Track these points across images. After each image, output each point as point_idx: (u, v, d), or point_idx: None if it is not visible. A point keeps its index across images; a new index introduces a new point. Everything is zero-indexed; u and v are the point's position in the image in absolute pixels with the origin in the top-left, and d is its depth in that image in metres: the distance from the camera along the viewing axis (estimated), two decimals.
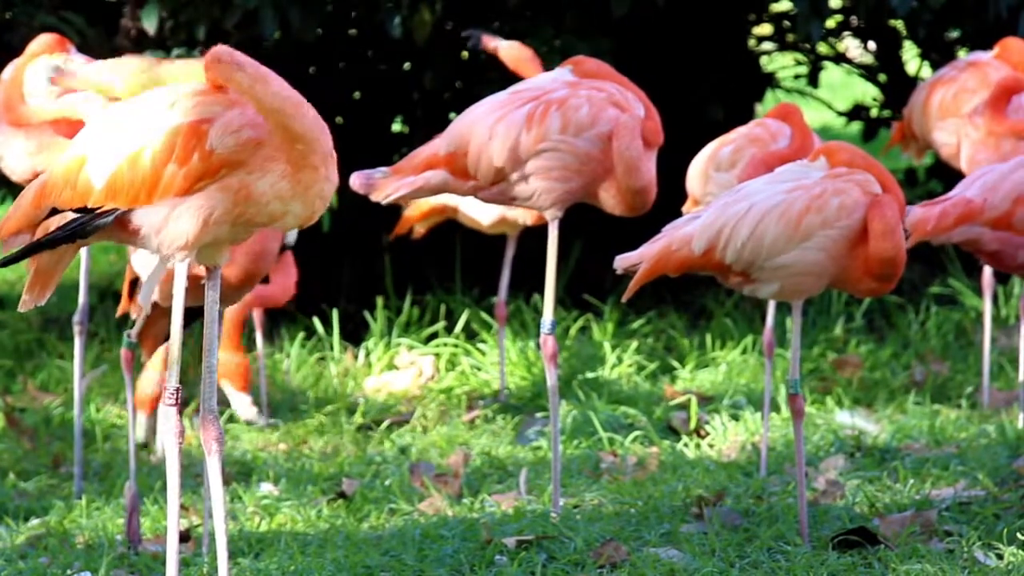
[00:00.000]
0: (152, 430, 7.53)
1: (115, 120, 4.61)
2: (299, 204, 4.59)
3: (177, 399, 4.69)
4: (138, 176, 4.54)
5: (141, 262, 6.01)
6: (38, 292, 4.77)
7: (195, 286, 5.69)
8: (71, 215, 4.62)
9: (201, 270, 5.45)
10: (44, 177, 4.66)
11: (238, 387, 7.93)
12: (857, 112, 10.72)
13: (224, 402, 8.28)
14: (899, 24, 10.26)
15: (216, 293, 4.71)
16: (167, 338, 6.21)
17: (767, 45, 10.75)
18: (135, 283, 6.24)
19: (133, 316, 6.39)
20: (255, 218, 4.59)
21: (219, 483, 4.70)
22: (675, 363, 8.60)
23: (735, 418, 7.62)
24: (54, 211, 4.64)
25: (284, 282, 8.00)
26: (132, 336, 6.23)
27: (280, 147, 4.56)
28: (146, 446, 7.62)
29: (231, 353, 7.90)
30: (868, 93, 11.28)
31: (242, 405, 7.96)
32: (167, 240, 4.58)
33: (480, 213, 8.22)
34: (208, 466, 4.73)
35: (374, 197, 6.15)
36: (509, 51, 7.41)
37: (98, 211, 4.59)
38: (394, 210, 8.50)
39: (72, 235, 4.62)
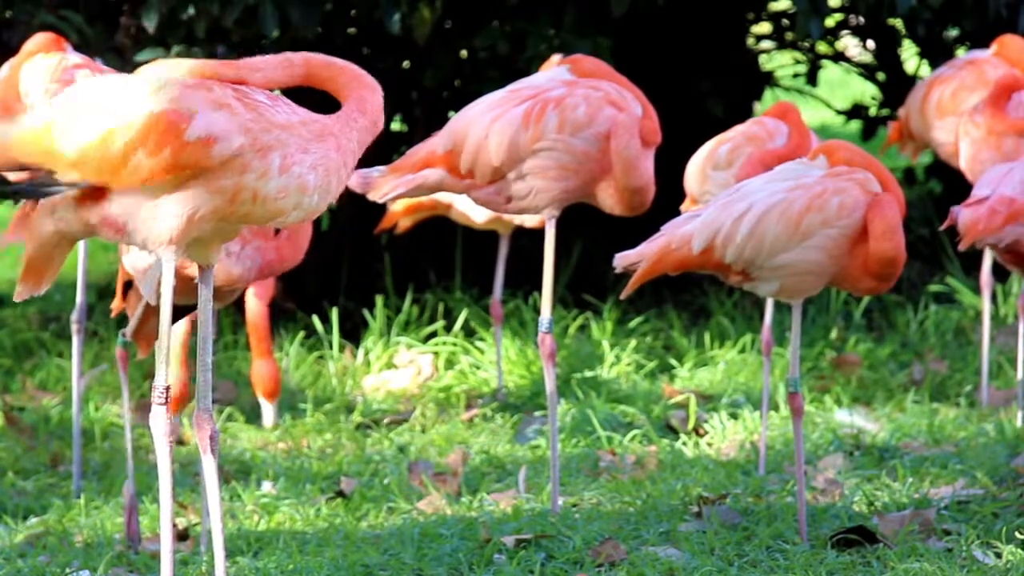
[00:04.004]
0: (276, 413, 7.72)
1: (93, 92, 4.55)
2: (318, 197, 4.60)
3: (167, 398, 4.68)
4: (107, 155, 4.49)
5: (133, 262, 6.02)
6: (33, 283, 4.75)
7: (188, 287, 5.69)
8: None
9: (194, 269, 5.43)
10: (12, 133, 4.56)
11: (267, 395, 7.92)
12: (856, 111, 10.72)
13: (222, 402, 8.28)
14: (898, 23, 10.26)
15: (210, 291, 4.70)
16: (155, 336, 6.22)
17: (766, 44, 10.75)
18: (129, 284, 6.24)
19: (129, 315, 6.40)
20: (250, 216, 4.57)
21: (215, 482, 4.70)
22: (674, 362, 8.59)
23: (734, 417, 7.62)
24: (22, 169, 4.60)
25: (266, 282, 8.01)
26: (127, 335, 6.23)
27: (322, 137, 4.55)
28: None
29: (262, 360, 7.90)
30: (867, 92, 11.28)
31: (267, 412, 7.96)
32: (152, 236, 4.56)
33: (474, 210, 8.22)
34: (204, 465, 4.72)
35: (372, 196, 6.15)
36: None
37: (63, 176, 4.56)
38: None
39: (34, 191, 4.57)
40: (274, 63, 4.68)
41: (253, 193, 4.52)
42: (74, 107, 4.55)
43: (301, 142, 4.56)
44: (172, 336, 6.05)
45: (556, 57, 7.54)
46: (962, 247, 6.41)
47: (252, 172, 4.52)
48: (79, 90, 4.59)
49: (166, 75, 4.56)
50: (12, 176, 4.62)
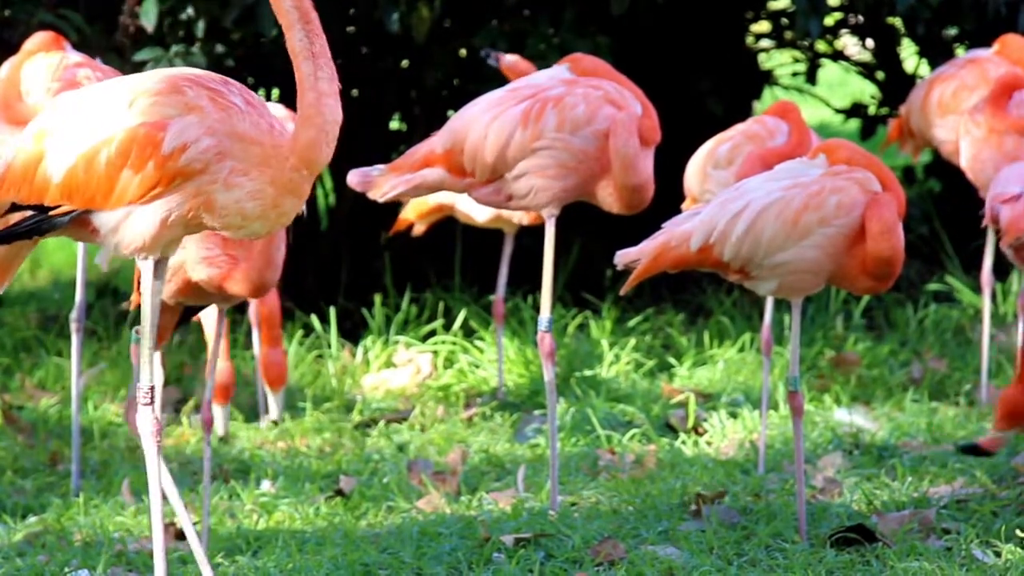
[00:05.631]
0: (227, 420, 7.68)
1: (73, 113, 4.54)
2: (260, 224, 4.53)
3: (152, 398, 4.67)
4: (93, 179, 4.49)
5: None
6: None
7: (191, 288, 5.68)
8: (30, 212, 4.60)
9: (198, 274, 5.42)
10: (3, 172, 4.60)
11: (272, 381, 7.89)
12: (855, 110, 10.72)
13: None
14: (897, 21, 10.26)
15: (160, 283, 4.64)
16: (169, 331, 6.22)
17: (765, 43, 10.75)
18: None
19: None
20: (206, 224, 4.53)
21: (154, 474, 4.63)
22: (673, 361, 8.59)
23: (733, 416, 7.62)
24: (14, 207, 4.61)
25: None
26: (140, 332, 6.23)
27: (263, 164, 4.50)
28: (224, 439, 7.66)
29: (272, 348, 7.87)
30: (866, 91, 11.27)
31: (274, 404, 7.93)
32: (125, 241, 4.54)
33: (476, 210, 8.23)
34: (147, 457, 4.68)
35: (371, 194, 6.15)
36: (515, 65, 7.43)
37: (54, 210, 4.55)
38: (393, 207, 8.50)
39: (30, 231, 4.60)
40: (313, 55, 4.55)
41: (207, 198, 4.49)
42: (57, 131, 4.54)
43: (243, 164, 4.47)
44: (210, 331, 6.08)
45: (511, 57, 7.55)
46: (1004, 244, 6.40)
47: (208, 175, 4.48)
48: (59, 113, 4.57)
49: (139, 85, 4.52)
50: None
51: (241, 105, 4.50)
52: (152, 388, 4.67)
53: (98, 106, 4.51)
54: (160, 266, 4.65)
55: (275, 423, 7.92)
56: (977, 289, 8.96)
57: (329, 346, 8.88)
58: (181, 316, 6.00)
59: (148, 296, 4.64)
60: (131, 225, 4.52)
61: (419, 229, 8.59)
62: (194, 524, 6.25)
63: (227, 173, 4.46)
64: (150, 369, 4.67)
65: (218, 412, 7.78)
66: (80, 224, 4.58)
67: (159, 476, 4.68)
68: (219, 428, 7.84)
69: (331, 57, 4.48)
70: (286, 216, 4.53)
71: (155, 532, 4.69)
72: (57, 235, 4.64)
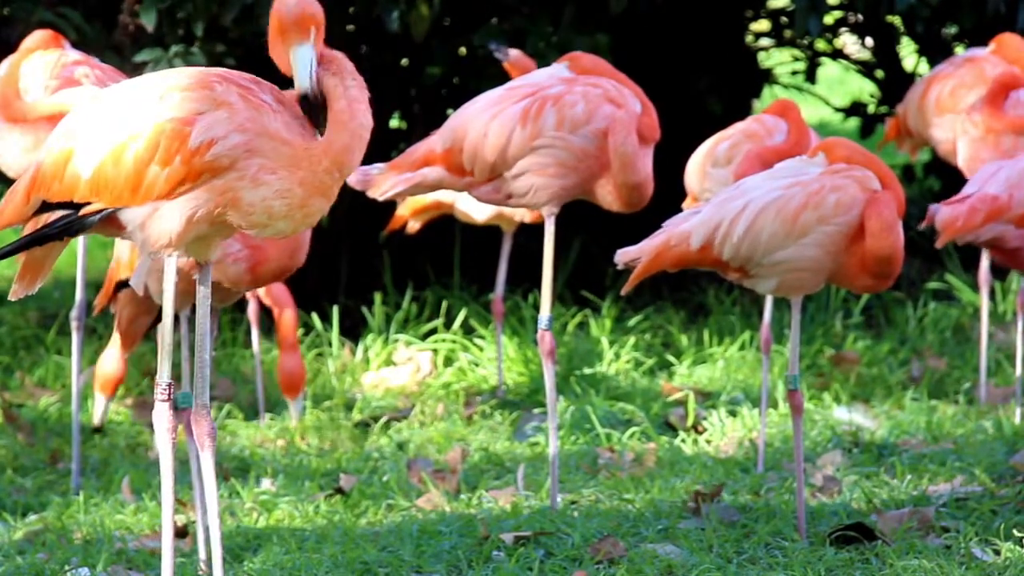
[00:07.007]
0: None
1: (103, 109, 4.55)
2: (286, 223, 4.56)
3: (169, 394, 4.68)
4: (121, 174, 4.50)
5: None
6: (28, 281, 4.77)
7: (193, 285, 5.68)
8: (60, 212, 4.61)
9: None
10: (34, 170, 4.63)
11: (287, 391, 7.86)
12: (854, 108, 10.73)
13: (220, 399, 8.28)
14: (896, 20, 10.27)
15: (208, 288, 4.69)
16: (141, 337, 6.22)
17: (765, 41, 10.76)
18: (120, 284, 6.24)
19: (113, 310, 6.43)
20: (232, 222, 4.55)
21: (213, 478, 4.68)
22: (673, 359, 8.60)
23: (733, 414, 7.62)
24: (45, 205, 4.63)
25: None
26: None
27: (293, 165, 4.52)
28: (100, 431, 7.59)
29: (288, 355, 7.85)
30: (865, 89, 11.28)
31: (294, 410, 7.92)
32: (152, 237, 4.55)
33: (475, 209, 8.23)
34: (202, 461, 4.71)
35: (371, 193, 6.16)
36: (517, 61, 7.43)
37: (85, 207, 4.57)
38: (393, 206, 8.51)
39: (61, 232, 4.62)
40: (336, 69, 4.62)
41: (234, 195, 4.50)
42: (87, 127, 4.55)
43: (272, 162, 4.49)
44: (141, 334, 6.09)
45: (515, 52, 7.55)
46: (939, 244, 6.46)
47: (237, 171, 4.49)
48: (89, 110, 4.59)
49: (169, 80, 4.54)
50: (29, 225, 4.67)
51: (272, 103, 4.53)
52: (170, 385, 4.67)
53: (128, 102, 4.52)
54: (204, 272, 4.68)
55: (273, 423, 7.93)
56: (976, 287, 8.97)
57: (329, 344, 8.88)
58: (153, 321, 6.03)
59: (169, 293, 4.64)
60: (158, 221, 4.53)
61: (413, 227, 8.58)
62: (192, 523, 6.27)
63: (255, 170, 4.48)
64: (168, 366, 4.68)
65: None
66: (109, 222, 4.59)
67: (173, 474, 4.68)
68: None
69: (356, 70, 4.56)
70: (312, 217, 4.57)
71: (165, 529, 4.68)
72: (87, 234, 4.67)
